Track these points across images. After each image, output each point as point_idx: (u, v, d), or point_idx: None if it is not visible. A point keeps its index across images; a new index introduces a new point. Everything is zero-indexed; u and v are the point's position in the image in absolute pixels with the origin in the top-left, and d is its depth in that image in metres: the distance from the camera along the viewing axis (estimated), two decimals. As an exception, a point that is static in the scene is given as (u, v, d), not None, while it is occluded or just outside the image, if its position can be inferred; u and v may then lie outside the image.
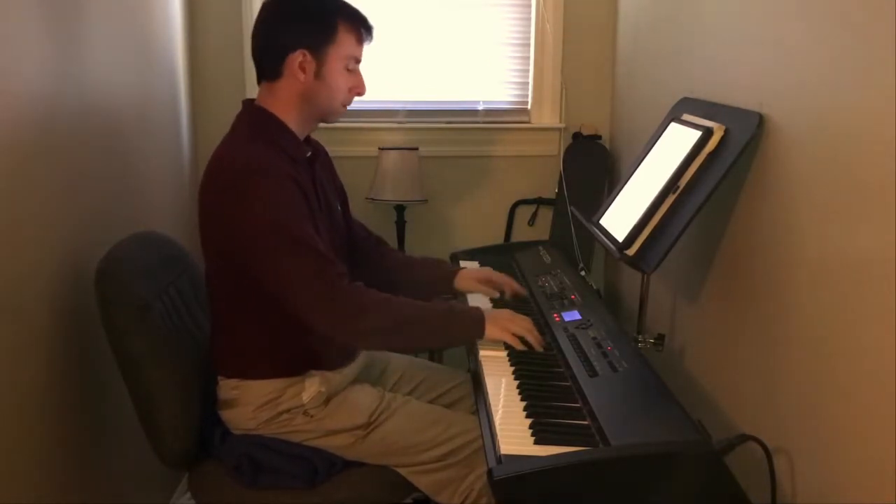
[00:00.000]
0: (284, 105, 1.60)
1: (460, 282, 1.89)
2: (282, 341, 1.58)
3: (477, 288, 1.89)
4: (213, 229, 1.56)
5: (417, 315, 1.56)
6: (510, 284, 1.90)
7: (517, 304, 1.86)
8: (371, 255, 1.91)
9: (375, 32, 1.66)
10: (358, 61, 1.64)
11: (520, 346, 1.61)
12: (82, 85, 1.70)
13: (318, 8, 1.59)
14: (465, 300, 1.90)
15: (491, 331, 1.60)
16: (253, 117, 1.61)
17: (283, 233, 1.48)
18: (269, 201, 1.49)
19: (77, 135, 1.66)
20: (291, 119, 1.60)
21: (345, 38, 1.59)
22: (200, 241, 1.60)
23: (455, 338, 1.68)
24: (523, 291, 1.92)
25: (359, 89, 1.64)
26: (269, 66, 1.59)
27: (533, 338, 1.62)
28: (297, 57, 1.56)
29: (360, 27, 1.62)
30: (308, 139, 1.69)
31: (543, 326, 1.76)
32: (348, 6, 1.63)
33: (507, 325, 1.62)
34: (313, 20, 1.58)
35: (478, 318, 1.60)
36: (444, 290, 1.94)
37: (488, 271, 1.92)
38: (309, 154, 1.66)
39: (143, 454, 1.67)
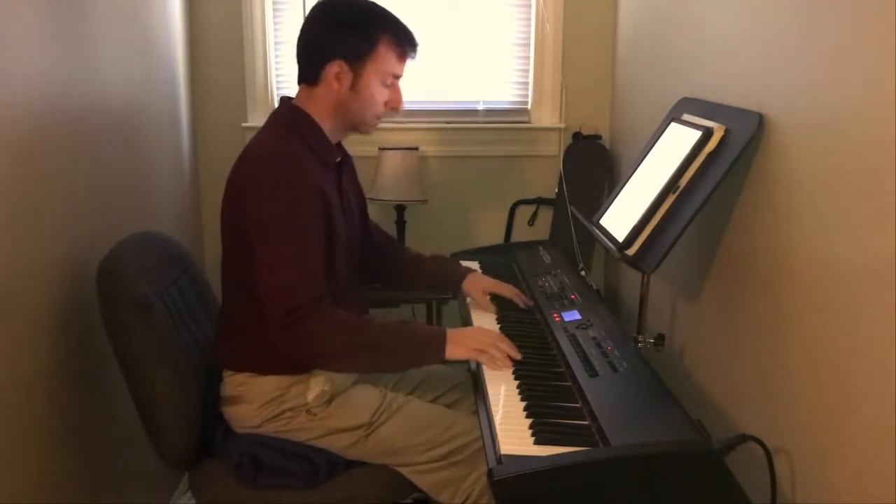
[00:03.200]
0: (320, 110, 1.60)
1: (468, 286, 1.89)
2: None
3: (481, 299, 1.85)
4: (233, 216, 1.57)
5: (372, 343, 1.52)
6: (516, 296, 1.86)
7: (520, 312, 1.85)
8: (386, 255, 1.93)
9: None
10: (398, 77, 1.63)
11: (491, 364, 1.54)
12: (83, 85, 1.70)
13: (361, 20, 1.58)
14: (468, 309, 1.87)
15: (452, 351, 1.54)
16: (290, 115, 1.62)
17: (289, 237, 1.49)
18: (288, 202, 1.50)
19: (78, 135, 1.67)
20: (326, 124, 1.62)
21: (385, 55, 1.58)
22: (221, 229, 1.61)
23: (413, 363, 1.64)
24: (529, 302, 1.88)
25: (395, 104, 1.64)
26: (308, 70, 1.60)
27: (505, 345, 1.56)
28: (335, 67, 1.56)
29: (404, 45, 1.60)
30: (339, 144, 1.70)
31: (543, 326, 1.77)
32: (394, 21, 1.60)
33: (471, 345, 1.56)
34: (355, 32, 1.57)
35: (438, 340, 1.54)
36: (452, 290, 1.96)
37: (496, 284, 1.88)
38: (338, 160, 1.67)
39: (143, 454, 1.67)
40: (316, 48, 1.59)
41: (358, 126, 1.65)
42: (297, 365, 1.59)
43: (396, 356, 1.57)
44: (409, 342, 1.56)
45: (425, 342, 1.56)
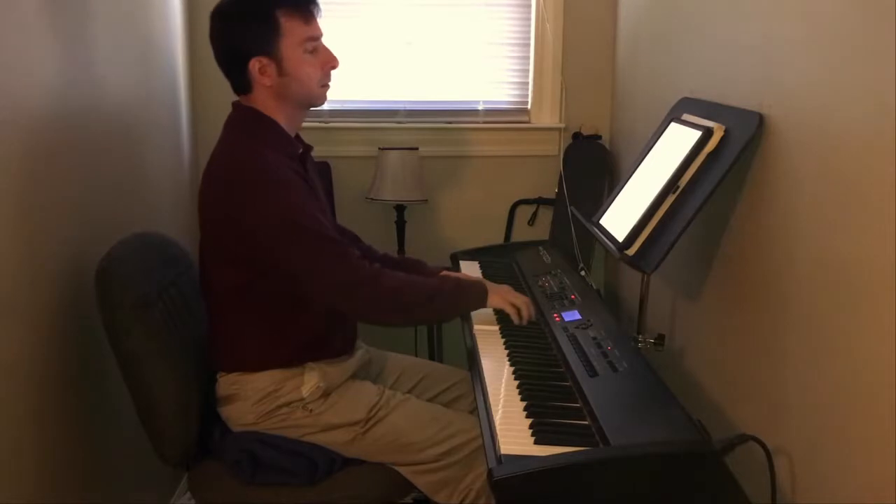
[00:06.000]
0: (267, 107, 1.60)
1: None
2: (280, 332, 1.60)
3: None
4: (218, 229, 1.57)
5: (436, 291, 1.66)
6: None
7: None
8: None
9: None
10: (316, 38, 1.59)
11: (515, 316, 1.74)
12: (83, 85, 1.70)
13: (251, 9, 1.56)
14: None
15: (493, 300, 1.75)
16: (245, 118, 1.61)
17: (299, 227, 1.51)
18: (281, 199, 1.51)
19: (78, 135, 1.66)
20: (279, 117, 1.61)
21: (290, 26, 1.55)
22: (200, 239, 1.61)
23: (465, 308, 1.79)
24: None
25: (331, 63, 1.62)
26: (237, 79, 1.60)
27: (527, 311, 1.75)
28: (255, 65, 1.56)
29: (301, 6, 1.57)
30: (298, 136, 1.69)
31: (543, 326, 1.77)
32: None
33: (506, 297, 1.76)
34: (252, 23, 1.55)
35: (482, 289, 1.74)
36: None
37: (464, 276, 1.99)
38: (301, 151, 1.67)
39: (143, 454, 1.67)
40: (230, 56, 1.58)
41: (308, 101, 1.64)
42: (289, 358, 1.60)
43: (454, 303, 1.72)
44: (462, 291, 1.72)
45: (472, 291, 1.74)
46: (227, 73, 1.61)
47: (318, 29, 1.60)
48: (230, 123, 1.64)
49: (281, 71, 1.56)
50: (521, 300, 1.77)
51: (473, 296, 1.74)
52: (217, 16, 1.59)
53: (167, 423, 1.54)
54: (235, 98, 1.61)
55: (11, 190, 1.38)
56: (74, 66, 1.66)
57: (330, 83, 1.65)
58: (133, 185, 2.00)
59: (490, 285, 1.77)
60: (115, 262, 1.55)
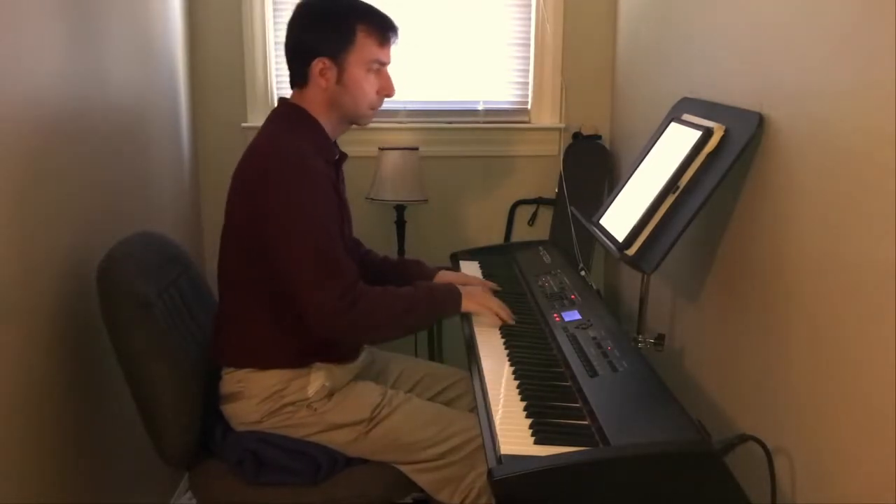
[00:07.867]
0: (316, 109, 1.63)
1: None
2: (291, 332, 1.59)
3: None
4: (243, 213, 1.57)
5: (408, 306, 1.64)
6: (483, 284, 1.96)
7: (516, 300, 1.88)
8: (354, 253, 1.93)
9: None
10: (383, 63, 1.64)
11: (493, 318, 1.75)
12: (83, 85, 1.71)
13: (335, 13, 1.60)
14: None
15: (467, 304, 1.74)
16: (291, 113, 1.64)
17: (311, 233, 1.51)
18: (305, 197, 1.52)
19: (78, 135, 1.67)
20: (324, 121, 1.64)
21: (365, 43, 1.60)
22: (224, 225, 1.62)
23: (437, 317, 1.86)
24: (496, 286, 1.97)
25: (387, 91, 1.66)
26: (296, 72, 1.63)
27: (505, 313, 1.76)
28: (318, 64, 1.59)
29: (382, 30, 1.62)
30: (335, 143, 1.71)
31: (543, 326, 1.77)
32: (368, 9, 1.63)
33: (481, 301, 1.77)
34: (331, 26, 1.59)
35: (456, 295, 1.73)
36: None
37: (463, 276, 2.04)
38: (337, 157, 1.70)
39: (143, 454, 1.67)
40: (298, 49, 1.62)
41: (354, 119, 1.68)
42: (297, 358, 1.60)
43: (428, 314, 1.73)
44: (435, 300, 1.71)
45: (448, 298, 1.73)
46: (290, 62, 1.64)
47: (388, 56, 1.65)
48: (275, 117, 1.66)
49: (340, 79, 1.60)
50: (495, 302, 1.78)
51: (446, 305, 1.73)
52: (303, 7, 1.63)
53: (168, 423, 1.54)
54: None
55: (12, 189, 1.39)
56: (75, 66, 1.66)
57: (379, 108, 1.69)
58: (133, 185, 2.00)
59: (465, 290, 1.76)
60: (115, 261, 1.55)
